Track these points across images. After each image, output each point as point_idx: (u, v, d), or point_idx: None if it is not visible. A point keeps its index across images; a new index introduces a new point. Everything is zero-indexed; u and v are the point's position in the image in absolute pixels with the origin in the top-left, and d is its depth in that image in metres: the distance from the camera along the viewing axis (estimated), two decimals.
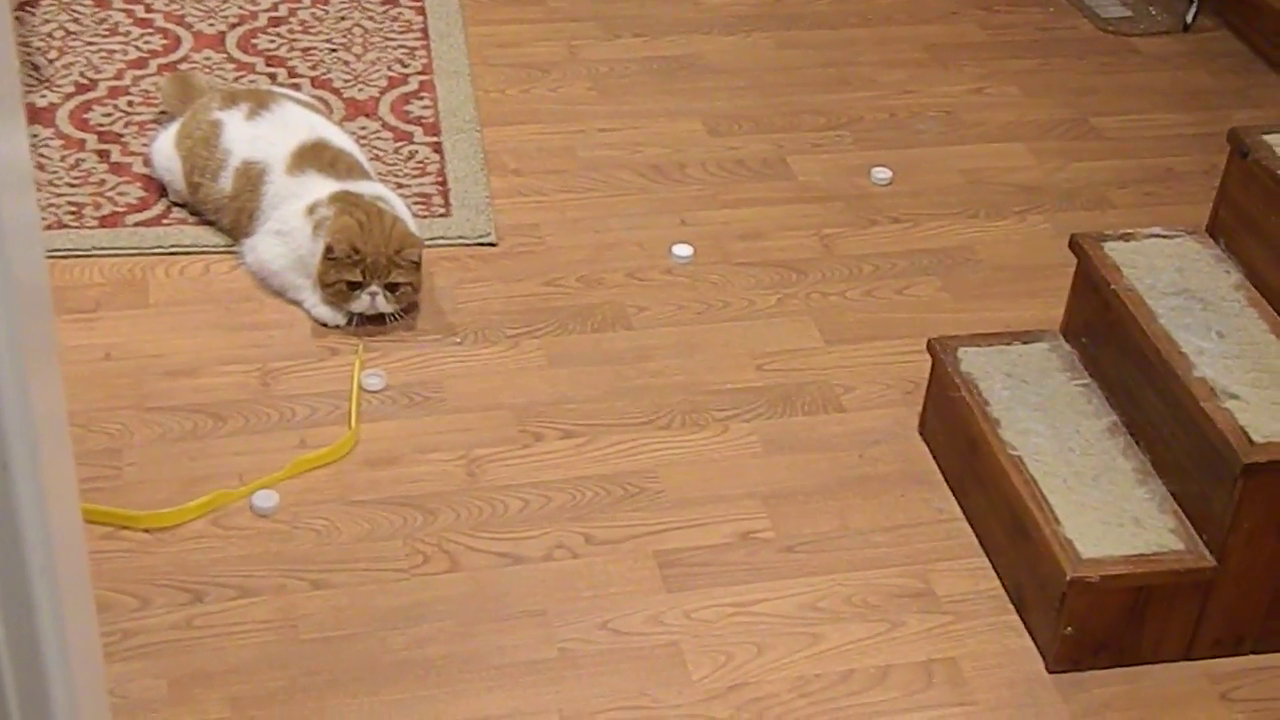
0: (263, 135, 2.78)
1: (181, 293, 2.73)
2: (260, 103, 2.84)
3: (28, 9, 3.41)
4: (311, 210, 2.65)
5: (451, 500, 2.39)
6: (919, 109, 3.40)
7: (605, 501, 2.41)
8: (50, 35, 3.34)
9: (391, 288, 2.62)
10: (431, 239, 2.87)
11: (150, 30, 3.38)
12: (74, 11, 3.43)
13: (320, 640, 2.16)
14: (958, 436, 2.43)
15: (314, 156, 2.73)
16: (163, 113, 3.06)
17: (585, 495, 2.41)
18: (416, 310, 2.72)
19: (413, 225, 2.70)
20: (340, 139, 2.82)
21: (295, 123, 2.80)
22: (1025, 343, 2.52)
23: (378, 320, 2.67)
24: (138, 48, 3.32)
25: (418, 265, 2.64)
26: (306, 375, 2.59)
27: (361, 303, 2.62)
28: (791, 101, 3.38)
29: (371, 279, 2.60)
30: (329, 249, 2.58)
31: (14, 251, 1.02)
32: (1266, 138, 2.40)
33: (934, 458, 2.51)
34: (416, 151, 3.09)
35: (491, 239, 2.90)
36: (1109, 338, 2.39)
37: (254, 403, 2.53)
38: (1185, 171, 3.25)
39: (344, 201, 2.64)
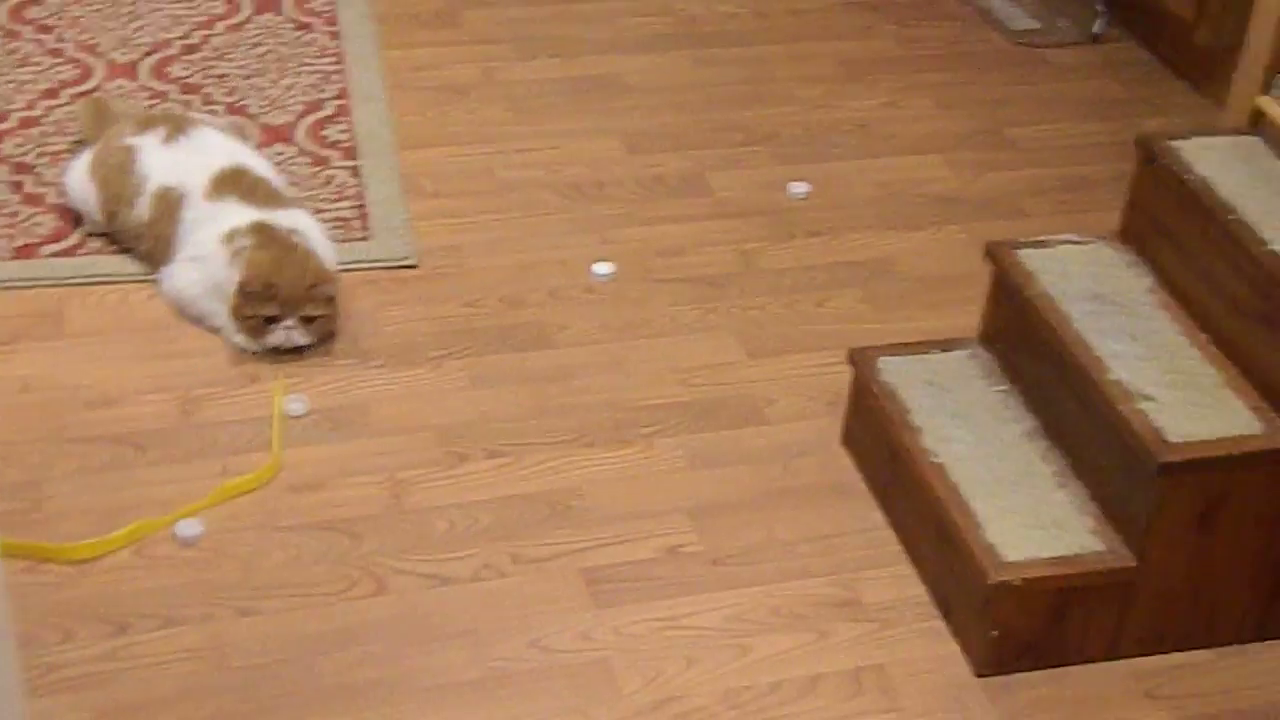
0: (180, 161, 2.76)
1: (99, 323, 2.71)
2: (177, 127, 2.82)
3: None
4: (230, 238, 2.64)
5: (377, 523, 2.38)
6: (835, 123, 3.43)
7: (532, 520, 2.41)
8: None
9: (307, 320, 2.62)
10: (351, 262, 2.86)
11: (61, 60, 3.36)
12: None
13: (249, 668, 2.14)
14: (880, 446, 2.45)
15: (233, 183, 2.72)
16: (77, 142, 3.03)
17: (511, 514, 2.41)
18: (337, 335, 2.71)
19: (330, 254, 2.70)
20: (258, 165, 2.81)
21: (213, 148, 2.79)
22: (944, 350, 2.54)
23: (301, 347, 2.66)
24: (49, 78, 3.29)
25: (333, 299, 2.64)
26: (228, 402, 2.57)
27: (277, 337, 2.61)
28: (709, 118, 3.40)
29: (287, 313, 2.59)
30: (243, 284, 2.57)
31: None
32: (1173, 143, 2.45)
33: (858, 468, 2.53)
34: (334, 176, 3.08)
35: (411, 261, 2.89)
36: (1025, 344, 2.42)
37: (175, 431, 2.51)
38: (1098, 179, 3.29)
39: (260, 234, 2.63)
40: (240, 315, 2.59)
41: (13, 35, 3.43)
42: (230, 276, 2.60)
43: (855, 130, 3.41)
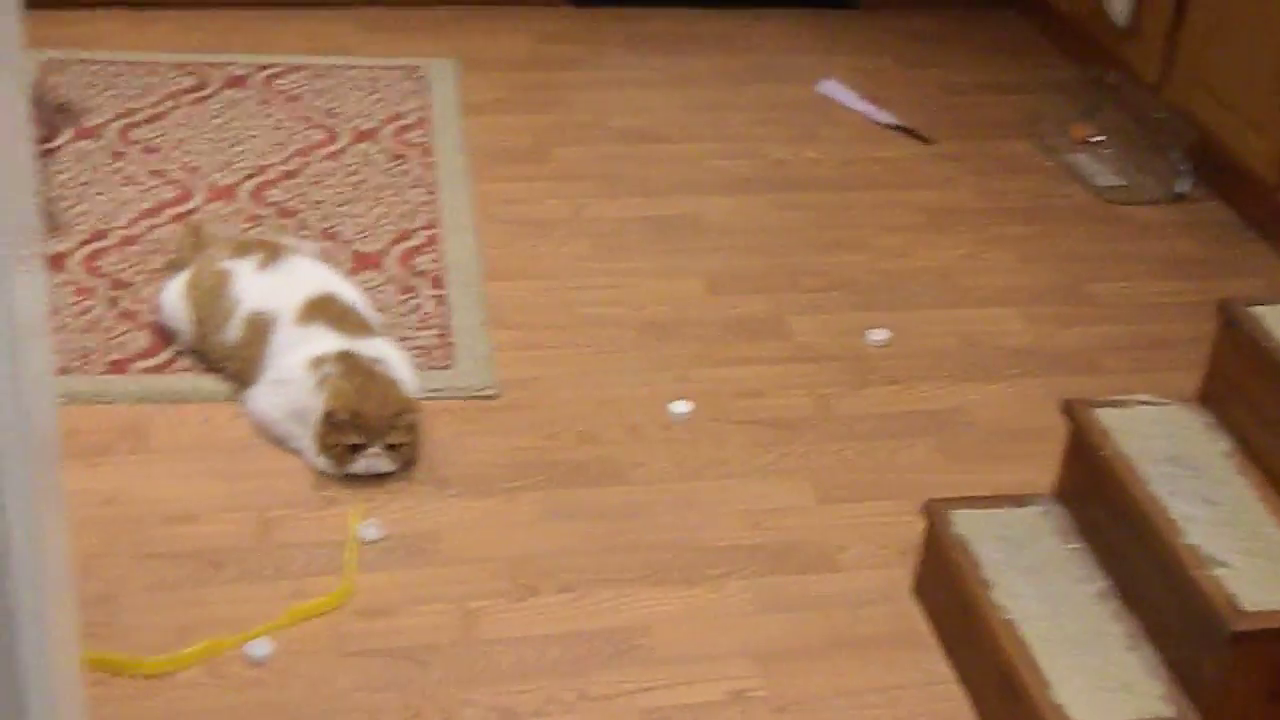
0: (273, 286, 2.83)
1: (184, 440, 2.77)
2: (272, 254, 2.90)
3: (46, 158, 3.49)
4: (316, 364, 2.69)
5: (445, 653, 2.40)
6: (915, 272, 3.46)
7: (598, 657, 2.41)
8: (66, 184, 3.41)
9: (391, 447, 2.67)
10: (433, 390, 2.91)
11: (164, 181, 3.46)
12: (91, 161, 3.50)
13: None
14: (950, 599, 2.44)
15: (322, 309, 2.78)
16: (173, 263, 3.12)
17: (578, 650, 2.42)
18: (415, 462, 2.75)
19: (412, 382, 2.75)
20: (348, 293, 2.88)
21: (305, 274, 2.86)
22: (1018, 506, 2.54)
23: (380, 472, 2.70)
24: (152, 198, 3.39)
25: (415, 427, 2.69)
26: (304, 524, 2.61)
27: (361, 464, 2.66)
28: (790, 262, 3.44)
29: (371, 441, 2.64)
30: (329, 413, 2.63)
31: (32, 402, 1.05)
32: (1254, 309, 2.45)
33: (927, 619, 2.53)
34: (421, 304, 3.14)
35: (492, 392, 2.94)
36: (1100, 503, 2.42)
37: (252, 550, 2.55)
38: (1176, 339, 3.29)
39: (345, 363, 2.69)
40: (325, 443, 2.65)
41: (119, 155, 3.54)
42: (314, 403, 2.66)
43: (935, 280, 3.44)
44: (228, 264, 2.88)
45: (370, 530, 2.60)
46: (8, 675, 1.07)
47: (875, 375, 3.11)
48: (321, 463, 2.69)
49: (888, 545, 2.68)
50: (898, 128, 4.05)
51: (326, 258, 3.08)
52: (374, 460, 2.66)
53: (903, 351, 3.19)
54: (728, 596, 2.56)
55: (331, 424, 2.63)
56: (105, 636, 2.37)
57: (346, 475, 2.68)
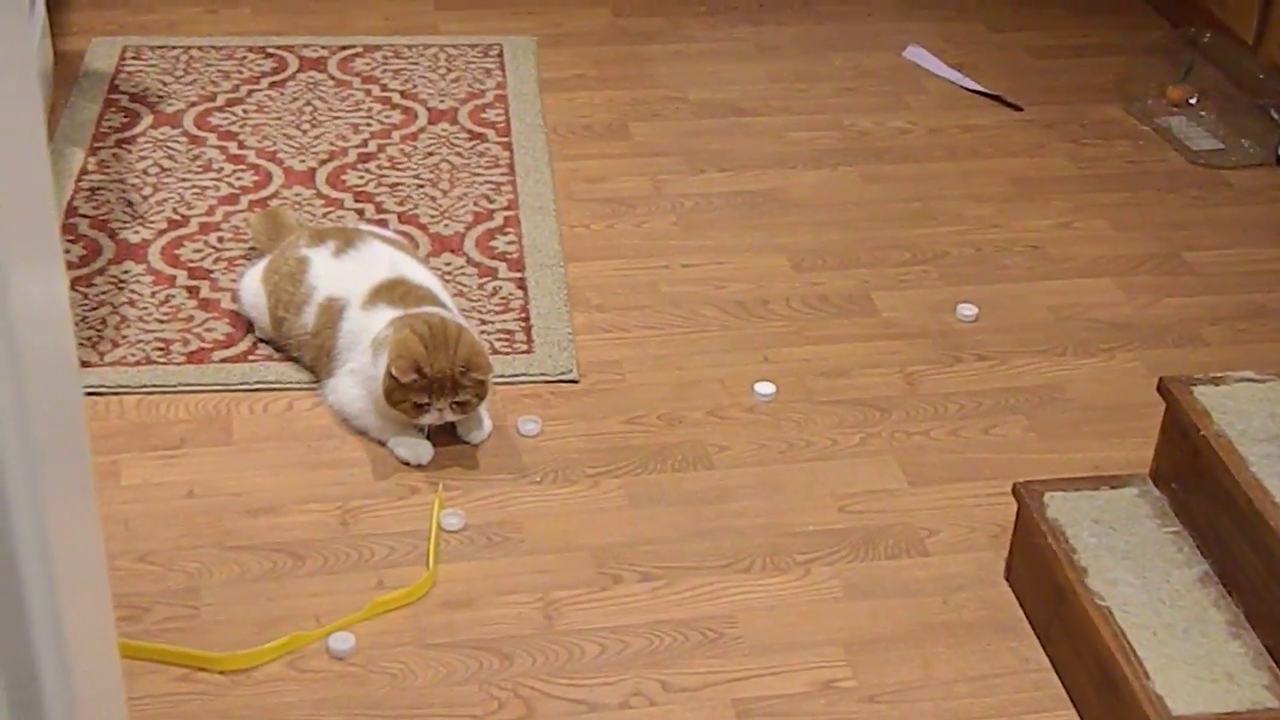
0: (346, 272, 2.80)
1: (264, 430, 2.75)
2: (347, 240, 2.87)
3: (125, 146, 3.49)
4: (377, 344, 2.66)
5: (528, 644, 2.36)
6: (1006, 244, 3.37)
7: (683, 647, 2.37)
8: (145, 172, 3.41)
9: (459, 405, 2.62)
10: (513, 376, 2.87)
11: (243, 166, 3.44)
12: (169, 148, 3.50)
13: None
14: (1044, 584, 2.37)
15: (388, 292, 2.74)
16: (251, 249, 3.10)
17: (663, 641, 2.38)
18: (497, 449, 2.71)
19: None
20: (420, 275, 2.83)
21: (378, 260, 2.83)
22: (1113, 487, 2.46)
23: (461, 460, 2.67)
24: (230, 184, 3.38)
25: (483, 382, 2.63)
26: (386, 514, 2.59)
27: (429, 417, 2.62)
28: (876, 236, 3.37)
29: (436, 401, 2.60)
30: (391, 371, 2.57)
31: (39, 393, 1.01)
32: None
33: (1020, 605, 2.46)
34: (500, 287, 3.10)
35: (573, 376, 2.90)
36: (1199, 484, 2.34)
37: (333, 542, 2.53)
38: (1278, 307, 3.19)
39: (404, 323, 2.64)
40: (391, 402, 2.61)
41: (197, 141, 3.53)
42: (378, 375, 2.63)
43: (1027, 251, 3.35)
44: (304, 250, 2.86)
45: (452, 520, 2.57)
46: (25, 669, 1.04)
47: (965, 352, 3.04)
48: (405, 452, 2.66)
49: (979, 528, 2.61)
50: (986, 94, 3.95)
51: (405, 244, 3.05)
52: (441, 413, 2.62)
53: (994, 326, 3.11)
54: (815, 583, 2.50)
55: (394, 382, 2.58)
56: (187, 630, 2.36)
57: (429, 462, 2.65)
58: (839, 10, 4.36)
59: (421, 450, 2.67)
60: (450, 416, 2.64)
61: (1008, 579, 2.51)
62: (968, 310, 3.13)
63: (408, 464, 2.67)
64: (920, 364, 2.99)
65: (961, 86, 3.99)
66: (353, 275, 2.79)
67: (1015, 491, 2.47)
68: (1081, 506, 2.42)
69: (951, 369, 2.99)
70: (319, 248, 2.86)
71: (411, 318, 2.64)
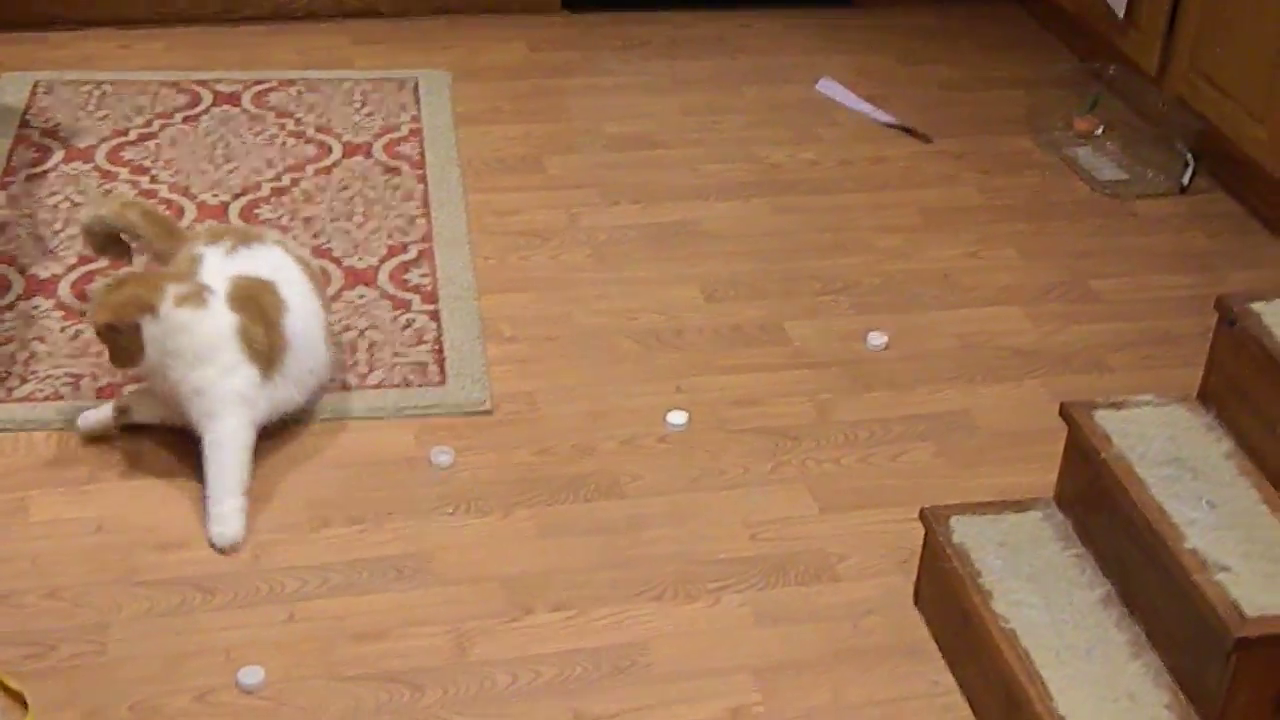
0: (230, 269, 2.77)
1: (173, 465, 2.73)
2: (242, 240, 2.83)
3: (35, 181, 3.46)
4: None
5: (439, 675, 2.36)
6: (915, 273, 3.41)
7: (595, 676, 2.38)
8: (56, 207, 3.39)
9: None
10: (427, 407, 2.88)
11: (154, 200, 3.43)
12: (81, 183, 3.48)
13: None
14: (951, 608, 2.40)
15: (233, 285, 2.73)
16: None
17: (575, 670, 2.39)
18: (410, 480, 2.72)
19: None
20: (287, 284, 2.78)
21: (258, 262, 2.79)
22: (1018, 511, 2.50)
23: (373, 490, 2.67)
24: None
25: (106, 330, 2.61)
26: (298, 548, 2.58)
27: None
28: (788, 267, 3.40)
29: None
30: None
31: None
32: (1254, 305, 2.41)
33: (929, 628, 2.48)
34: (414, 320, 3.11)
35: (487, 407, 2.90)
36: (1100, 507, 2.38)
37: (244, 576, 2.52)
38: (1183, 334, 3.24)
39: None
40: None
41: (109, 176, 3.52)
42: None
43: (936, 280, 3.40)
44: (200, 249, 2.81)
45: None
46: None
47: (875, 380, 3.07)
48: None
49: (888, 554, 2.64)
50: (897, 126, 4.01)
51: (302, 257, 2.95)
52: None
53: (903, 354, 3.15)
54: (727, 610, 2.52)
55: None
56: (95, 666, 2.34)
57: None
58: (752, 45, 4.40)
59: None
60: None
61: (916, 603, 2.53)
62: (878, 339, 3.17)
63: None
64: (831, 392, 3.02)
65: (873, 119, 4.04)
66: (231, 272, 2.76)
67: (922, 516, 2.50)
68: (986, 531, 2.45)
69: (861, 397, 3.02)
70: (214, 245, 2.81)
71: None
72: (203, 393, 2.63)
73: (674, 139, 3.89)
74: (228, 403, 2.64)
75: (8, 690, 2.29)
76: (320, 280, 2.95)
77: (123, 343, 2.60)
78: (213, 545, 2.56)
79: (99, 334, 2.63)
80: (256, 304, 2.69)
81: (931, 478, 2.82)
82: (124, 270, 2.70)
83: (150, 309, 2.59)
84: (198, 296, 2.63)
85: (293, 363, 2.73)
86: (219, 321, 2.64)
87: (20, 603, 2.44)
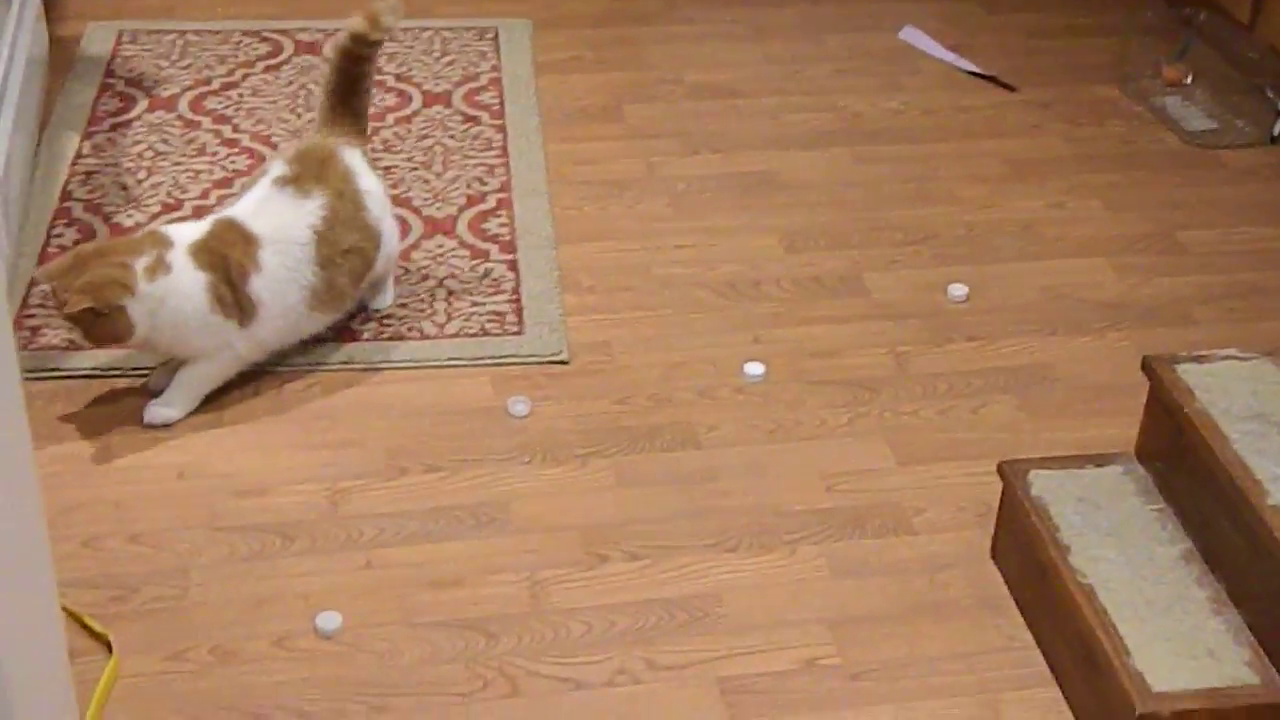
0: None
1: (256, 411, 2.76)
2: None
3: (120, 130, 3.50)
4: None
5: (514, 623, 2.38)
6: (999, 224, 3.37)
7: (669, 626, 2.38)
8: (140, 156, 3.42)
9: (71, 319, 2.59)
10: (504, 356, 2.88)
11: (236, 150, 3.45)
12: (164, 132, 3.51)
13: None
14: (1028, 562, 2.38)
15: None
16: None
17: (649, 619, 2.39)
18: (487, 429, 2.73)
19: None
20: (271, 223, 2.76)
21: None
22: (1098, 466, 2.47)
23: (451, 439, 2.68)
24: (224, 168, 3.39)
25: (89, 288, 2.56)
26: (375, 495, 2.60)
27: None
28: (869, 217, 3.37)
29: (61, 315, 2.60)
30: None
31: None
32: None
33: (1006, 583, 2.46)
34: (492, 269, 3.11)
35: (564, 357, 2.90)
36: (1182, 462, 2.34)
37: (322, 522, 2.54)
38: (1272, 287, 3.19)
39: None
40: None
41: (192, 125, 3.54)
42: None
43: (1019, 231, 3.35)
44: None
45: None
46: None
47: (956, 332, 3.04)
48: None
49: (966, 507, 2.62)
50: (982, 75, 3.95)
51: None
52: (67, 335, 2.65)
53: (985, 307, 3.12)
54: (802, 562, 2.51)
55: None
56: (175, 610, 2.37)
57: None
58: None
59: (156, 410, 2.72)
60: (74, 338, 2.66)
61: (993, 557, 2.51)
62: (958, 290, 3.13)
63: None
64: (910, 344, 3.00)
65: (957, 67, 3.99)
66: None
67: (1000, 470, 2.48)
68: (1066, 485, 2.42)
69: (941, 349, 2.99)
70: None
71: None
72: (192, 352, 2.70)
73: (755, 88, 3.86)
74: (214, 353, 2.71)
75: (92, 633, 2.32)
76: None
77: (106, 325, 2.58)
78: (145, 421, 2.70)
79: (75, 318, 2.58)
80: (221, 256, 2.68)
81: (1011, 431, 2.79)
82: (73, 249, 2.67)
83: (129, 289, 2.58)
84: (161, 264, 2.63)
85: (274, 301, 2.73)
86: (189, 285, 2.65)
87: (103, 547, 2.48)
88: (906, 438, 2.77)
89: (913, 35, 4.11)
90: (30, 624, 1.11)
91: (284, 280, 2.73)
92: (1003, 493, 2.48)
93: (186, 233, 2.72)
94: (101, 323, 2.59)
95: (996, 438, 2.77)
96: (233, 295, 2.67)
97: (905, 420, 2.81)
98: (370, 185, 2.86)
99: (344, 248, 2.78)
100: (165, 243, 2.67)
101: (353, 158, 2.86)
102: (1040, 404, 2.86)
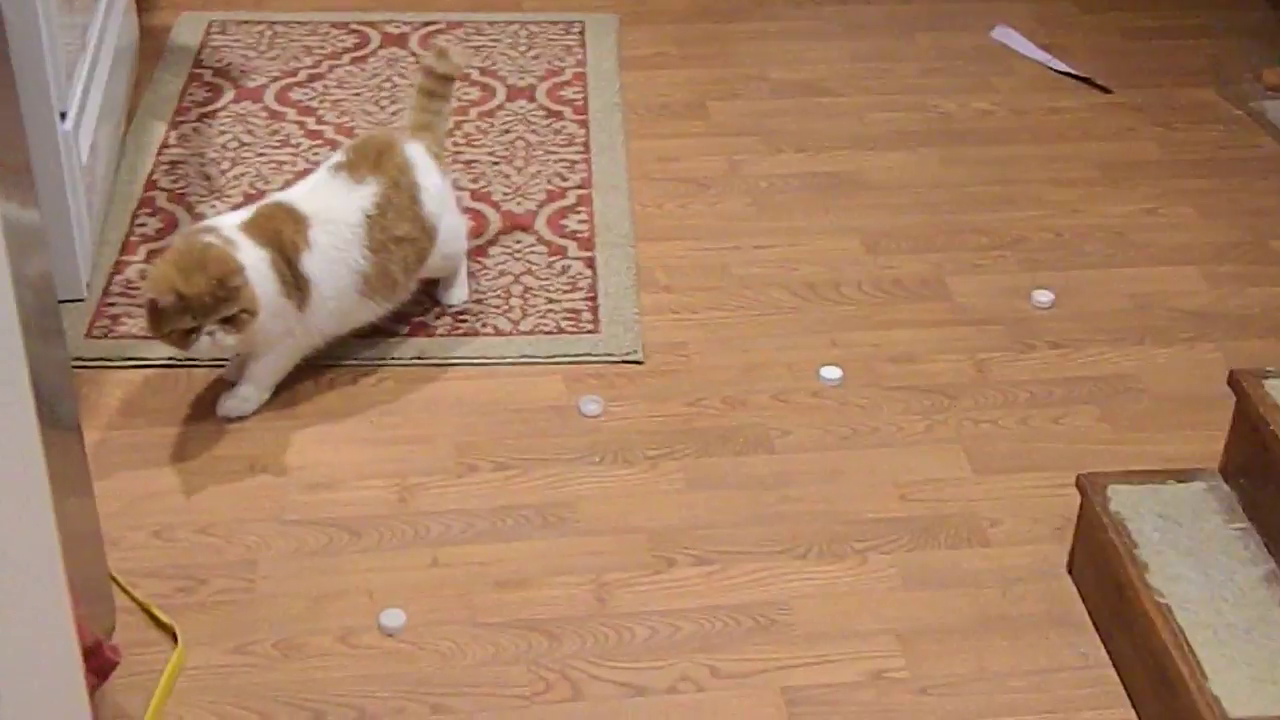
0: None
1: (328, 405, 2.76)
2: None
3: (206, 120, 3.52)
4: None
5: (578, 625, 2.36)
6: (1087, 229, 3.30)
7: (735, 633, 2.35)
8: (224, 146, 3.43)
9: (226, 321, 2.54)
10: (578, 355, 2.86)
11: (320, 142, 3.46)
12: (249, 123, 3.52)
13: None
14: (1105, 579, 2.32)
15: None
16: None
17: (715, 625, 2.36)
18: (558, 428, 2.71)
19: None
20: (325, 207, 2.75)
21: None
22: (1180, 481, 2.41)
23: (522, 437, 2.66)
24: (306, 159, 3.39)
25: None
26: (444, 492, 2.59)
27: (202, 345, 2.55)
28: (953, 220, 3.31)
29: (201, 321, 2.53)
30: (151, 302, 2.52)
31: None
32: None
33: (1081, 599, 2.41)
34: (570, 266, 3.09)
35: (638, 356, 2.88)
36: (1268, 481, 2.28)
37: (390, 519, 2.54)
38: None
39: (172, 246, 2.62)
40: (160, 333, 2.55)
41: (277, 116, 3.55)
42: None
43: (1108, 237, 3.28)
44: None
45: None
46: None
47: (1039, 339, 2.98)
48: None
49: (1043, 519, 2.56)
50: (1075, 76, 3.87)
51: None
52: (213, 338, 2.54)
53: (1070, 314, 3.05)
54: (872, 572, 2.47)
55: (159, 312, 2.52)
56: (241, 603, 2.37)
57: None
58: None
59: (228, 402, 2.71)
60: (224, 338, 2.55)
61: (1070, 572, 2.46)
62: (1043, 296, 3.07)
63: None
64: (992, 351, 2.94)
65: (1050, 68, 3.91)
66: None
67: (1079, 483, 2.42)
68: (1146, 500, 2.36)
69: (1024, 356, 2.93)
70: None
71: (172, 244, 2.63)
72: (258, 342, 2.67)
73: (842, 86, 3.81)
74: (276, 341, 2.70)
75: (159, 623, 2.33)
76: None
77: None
78: (219, 413, 2.70)
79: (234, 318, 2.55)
80: (275, 231, 2.67)
81: (1093, 442, 2.73)
82: (169, 242, 2.67)
83: (240, 269, 2.56)
84: (232, 247, 2.60)
85: (326, 281, 2.70)
86: (256, 263, 2.61)
87: (173, 537, 2.48)
88: (984, 447, 2.71)
89: (1005, 34, 4.04)
90: (38, 644, 1.10)
91: (335, 260, 2.71)
92: (1080, 506, 2.42)
93: (231, 218, 2.71)
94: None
95: (1077, 449, 2.71)
96: (290, 273, 2.66)
97: (984, 429, 2.76)
98: (429, 181, 2.83)
99: (396, 235, 2.76)
100: (215, 231, 2.64)
101: (414, 151, 2.84)
102: (1123, 415, 2.80)
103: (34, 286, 1.82)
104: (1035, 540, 2.53)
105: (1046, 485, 2.63)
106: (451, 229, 2.89)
